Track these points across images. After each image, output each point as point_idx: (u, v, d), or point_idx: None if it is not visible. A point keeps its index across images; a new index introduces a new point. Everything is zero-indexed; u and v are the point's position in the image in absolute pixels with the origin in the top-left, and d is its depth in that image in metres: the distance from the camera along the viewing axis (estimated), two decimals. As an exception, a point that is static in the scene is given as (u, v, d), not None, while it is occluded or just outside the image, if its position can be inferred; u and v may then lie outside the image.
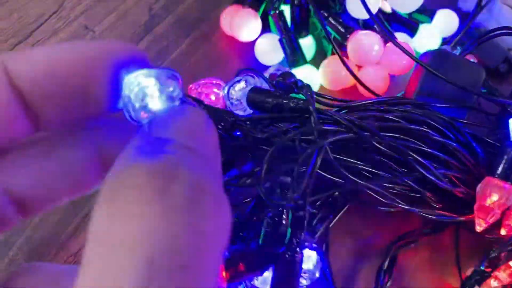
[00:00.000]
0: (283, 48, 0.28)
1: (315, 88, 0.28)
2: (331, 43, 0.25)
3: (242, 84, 0.24)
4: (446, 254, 0.25)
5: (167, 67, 0.17)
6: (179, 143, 0.11)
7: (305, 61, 0.28)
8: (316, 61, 0.29)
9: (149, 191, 0.10)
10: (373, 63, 0.26)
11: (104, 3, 0.31)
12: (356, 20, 0.28)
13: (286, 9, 0.29)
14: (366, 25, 0.28)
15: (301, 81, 0.22)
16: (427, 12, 0.32)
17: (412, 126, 0.21)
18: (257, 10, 0.29)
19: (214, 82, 0.27)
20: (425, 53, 0.28)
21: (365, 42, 0.25)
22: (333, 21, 0.27)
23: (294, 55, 0.28)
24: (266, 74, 0.27)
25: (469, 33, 0.32)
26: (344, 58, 0.26)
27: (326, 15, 0.28)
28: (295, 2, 0.28)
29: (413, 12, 0.31)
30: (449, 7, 0.34)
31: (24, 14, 0.30)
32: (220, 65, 0.30)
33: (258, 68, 0.30)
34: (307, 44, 0.29)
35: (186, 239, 0.10)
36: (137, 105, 0.13)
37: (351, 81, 0.27)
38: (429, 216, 0.22)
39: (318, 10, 0.26)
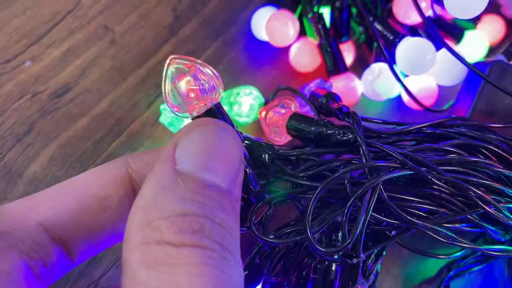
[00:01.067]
0: (322, 54, 0.26)
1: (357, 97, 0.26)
2: (381, 49, 0.23)
3: (280, 109, 0.22)
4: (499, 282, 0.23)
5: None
6: (202, 183, 0.13)
7: (346, 69, 0.26)
8: (356, 68, 0.27)
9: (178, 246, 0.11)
10: (424, 72, 0.24)
11: (124, 1, 0.28)
12: (401, 25, 0.26)
13: (324, 12, 0.27)
14: (413, 31, 0.26)
15: (346, 107, 0.20)
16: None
17: (474, 159, 0.19)
18: (293, 12, 0.27)
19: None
20: (479, 64, 0.26)
21: (417, 50, 0.23)
22: (379, 26, 0.25)
23: (334, 62, 0.26)
24: (307, 91, 0.24)
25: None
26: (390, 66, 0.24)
27: (371, 19, 0.25)
28: (337, 4, 0.26)
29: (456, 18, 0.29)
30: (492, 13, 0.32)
31: (38, 12, 0.27)
32: (251, 72, 0.27)
33: (294, 77, 0.28)
34: (347, 49, 0.27)
35: None
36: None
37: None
38: (494, 253, 0.20)
39: (366, 12, 0.24)
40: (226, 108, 0.25)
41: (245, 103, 0.25)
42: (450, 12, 0.22)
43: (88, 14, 0.28)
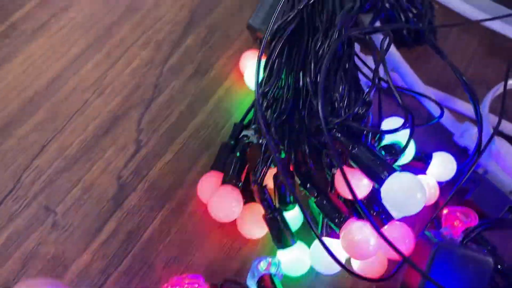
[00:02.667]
0: (268, 227, 0.26)
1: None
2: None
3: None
4: None
5: None
6: None
7: (292, 243, 0.25)
8: (305, 232, 0.27)
9: None
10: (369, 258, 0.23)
11: (67, 173, 0.28)
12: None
13: (269, 183, 0.26)
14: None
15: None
16: (422, 159, 0.30)
17: None
18: (237, 181, 0.26)
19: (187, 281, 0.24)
20: (423, 236, 0.25)
21: (359, 236, 0.23)
22: (325, 201, 0.25)
23: (279, 236, 0.25)
24: (251, 277, 0.24)
25: (468, 180, 0.30)
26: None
27: (316, 194, 0.25)
28: (279, 177, 0.25)
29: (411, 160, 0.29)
30: (445, 143, 0.32)
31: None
32: (199, 242, 0.27)
33: (244, 243, 0.27)
34: (294, 215, 0.27)
35: None
36: None
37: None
38: None
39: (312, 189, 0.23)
40: None
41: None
42: (389, 210, 0.22)
43: (28, 194, 0.27)
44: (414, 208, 0.20)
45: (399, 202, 0.21)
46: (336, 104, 0.24)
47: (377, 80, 0.24)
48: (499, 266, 0.25)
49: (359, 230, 0.23)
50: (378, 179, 0.21)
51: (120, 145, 0.29)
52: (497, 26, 0.36)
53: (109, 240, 0.26)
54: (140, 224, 0.27)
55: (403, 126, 0.23)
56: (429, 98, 0.26)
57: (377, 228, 0.21)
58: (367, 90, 0.23)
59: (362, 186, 0.24)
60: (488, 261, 0.23)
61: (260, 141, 0.26)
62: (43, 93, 0.30)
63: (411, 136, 0.24)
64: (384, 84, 0.33)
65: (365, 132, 0.23)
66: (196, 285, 0.24)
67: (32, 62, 0.31)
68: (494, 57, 0.38)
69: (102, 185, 0.28)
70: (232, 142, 0.28)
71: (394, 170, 0.21)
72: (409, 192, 0.20)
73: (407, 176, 0.21)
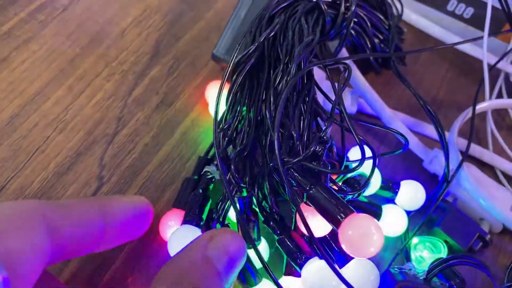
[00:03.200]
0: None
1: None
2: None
3: None
4: None
5: None
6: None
7: (256, 282, 0.25)
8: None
9: None
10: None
11: None
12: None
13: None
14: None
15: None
16: (391, 188, 0.29)
17: None
18: (199, 220, 0.26)
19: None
20: (388, 274, 0.25)
21: (319, 276, 0.22)
22: (286, 240, 0.24)
23: (244, 275, 0.25)
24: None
25: (437, 208, 0.29)
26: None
27: (278, 232, 0.24)
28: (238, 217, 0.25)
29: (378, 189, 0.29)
30: (415, 169, 0.32)
31: None
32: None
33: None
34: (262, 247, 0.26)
35: None
36: None
37: None
38: None
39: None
40: None
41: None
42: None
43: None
44: (369, 253, 0.20)
45: (355, 246, 0.20)
46: (294, 139, 0.23)
47: (334, 116, 0.23)
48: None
49: (318, 271, 0.22)
50: (335, 222, 0.21)
51: (82, 183, 0.28)
52: (466, 48, 0.36)
53: (72, 280, 0.26)
54: (101, 265, 0.26)
55: (362, 161, 0.22)
56: (393, 131, 0.26)
57: (334, 269, 0.20)
58: (325, 127, 0.23)
59: (325, 222, 0.23)
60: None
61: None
62: (3, 131, 0.29)
63: (372, 171, 0.24)
64: (350, 111, 0.33)
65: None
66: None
67: (-8, 99, 0.30)
68: (465, 78, 0.37)
69: None
70: (196, 177, 0.28)
71: (351, 212, 0.21)
72: (365, 237, 0.20)
73: (362, 219, 0.20)
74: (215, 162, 0.27)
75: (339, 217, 0.21)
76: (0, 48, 0.32)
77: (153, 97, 0.32)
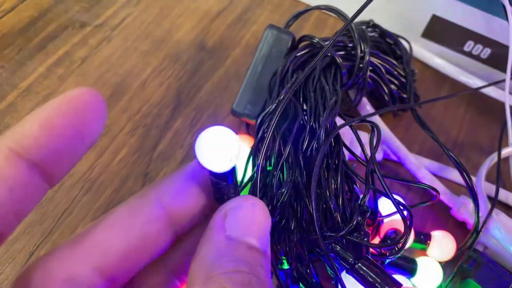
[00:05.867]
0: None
1: None
2: None
3: None
4: None
5: None
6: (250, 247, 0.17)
7: None
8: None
9: None
10: None
11: None
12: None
13: None
14: None
15: None
16: (421, 240, 0.29)
17: None
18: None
19: None
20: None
21: None
22: None
23: None
24: None
25: (468, 258, 0.29)
26: None
27: None
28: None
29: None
30: (443, 217, 0.32)
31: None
32: None
33: None
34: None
35: None
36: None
37: None
38: None
39: None
40: None
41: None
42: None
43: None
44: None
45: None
46: (331, 209, 0.23)
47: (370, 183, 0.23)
48: None
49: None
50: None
51: (111, 245, 0.28)
52: (486, 89, 0.36)
53: None
54: None
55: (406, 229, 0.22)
56: (423, 185, 0.26)
57: None
58: (362, 195, 0.23)
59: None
60: None
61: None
62: (28, 193, 0.29)
63: (409, 231, 0.23)
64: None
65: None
66: None
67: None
68: (484, 118, 0.38)
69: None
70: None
71: (399, 286, 0.21)
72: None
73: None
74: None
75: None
76: (20, 106, 0.32)
77: (177, 150, 0.32)
